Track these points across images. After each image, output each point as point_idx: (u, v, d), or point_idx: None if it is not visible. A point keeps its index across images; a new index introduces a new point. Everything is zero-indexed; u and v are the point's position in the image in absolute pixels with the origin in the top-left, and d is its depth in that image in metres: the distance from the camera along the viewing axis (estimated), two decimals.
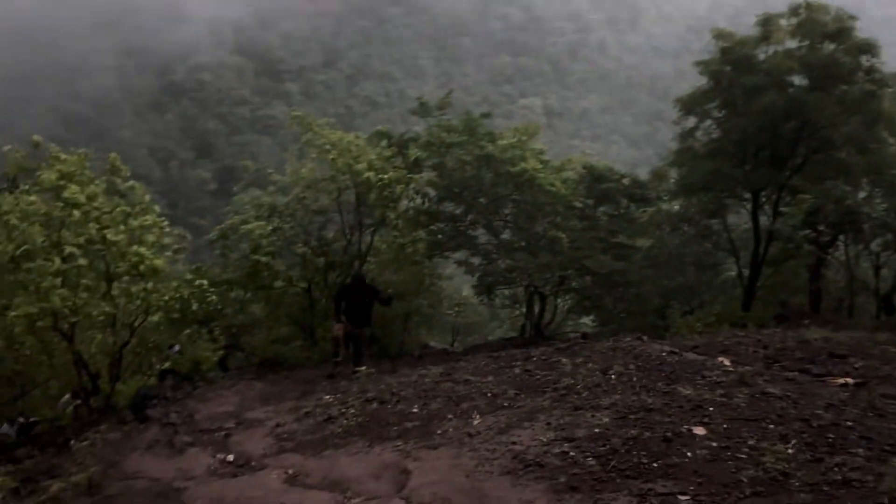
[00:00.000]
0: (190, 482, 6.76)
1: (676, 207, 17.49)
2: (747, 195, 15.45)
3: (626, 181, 15.81)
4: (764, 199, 15.44)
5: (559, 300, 18.95)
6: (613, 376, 7.75)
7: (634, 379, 7.59)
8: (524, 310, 17.80)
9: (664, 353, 8.49)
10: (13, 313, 8.94)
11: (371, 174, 13.29)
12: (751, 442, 5.43)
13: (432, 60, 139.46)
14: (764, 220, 15.45)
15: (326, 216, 15.32)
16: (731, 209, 16.53)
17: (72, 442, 8.28)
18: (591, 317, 19.34)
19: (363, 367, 10.11)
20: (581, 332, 15.89)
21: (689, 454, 5.36)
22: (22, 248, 9.01)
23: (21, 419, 12.37)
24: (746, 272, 15.74)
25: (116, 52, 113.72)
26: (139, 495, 6.46)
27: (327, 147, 13.79)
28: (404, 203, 15.34)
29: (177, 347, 12.89)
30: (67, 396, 11.35)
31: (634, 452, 5.50)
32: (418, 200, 15.25)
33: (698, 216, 16.39)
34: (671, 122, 15.84)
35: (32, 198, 9.63)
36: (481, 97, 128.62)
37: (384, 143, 15.32)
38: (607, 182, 15.51)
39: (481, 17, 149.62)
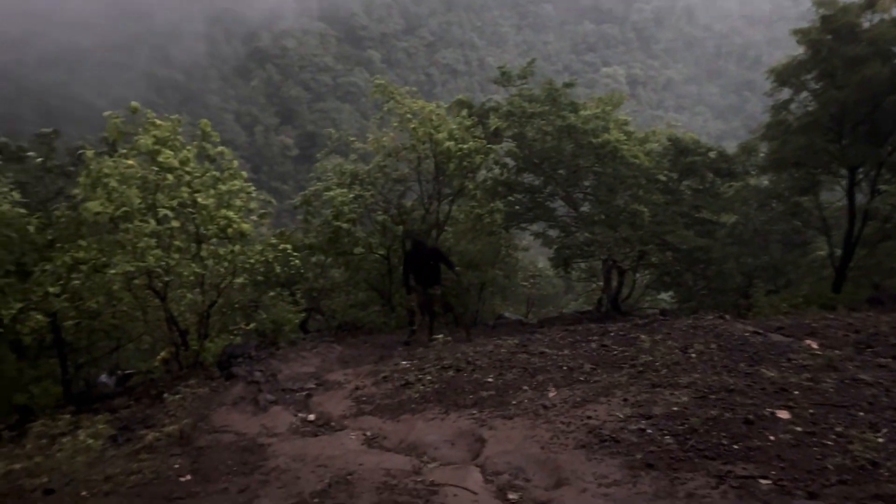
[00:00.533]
0: (273, 439, 7.04)
1: (765, 183, 16.81)
2: (843, 172, 14.69)
3: (712, 154, 15.26)
4: (861, 176, 14.65)
5: (638, 275, 18.64)
6: (693, 355, 7.60)
7: (715, 358, 7.43)
8: (601, 283, 17.58)
9: (747, 334, 8.26)
10: (112, 271, 9.41)
11: (451, 144, 13.29)
12: (838, 429, 5.25)
13: (513, 28, 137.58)
14: (860, 199, 14.68)
15: (406, 185, 15.46)
16: (825, 186, 15.78)
17: (165, 395, 8.72)
18: (671, 293, 18.94)
19: (440, 336, 10.21)
20: (660, 309, 15.58)
21: (771, 438, 5.23)
22: (121, 210, 9.45)
23: (119, 371, 13.16)
24: (838, 252, 15.04)
25: (206, 18, 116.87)
26: (226, 448, 6.77)
27: (408, 116, 13.85)
28: (483, 173, 15.30)
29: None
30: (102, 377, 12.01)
31: (714, 433, 5.41)
32: (497, 171, 15.18)
33: (788, 192, 15.71)
34: (763, 93, 15.14)
35: (130, 161, 10.03)
36: (563, 65, 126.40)
37: (464, 112, 15.28)
38: (693, 155, 15.01)
39: None
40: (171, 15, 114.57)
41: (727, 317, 9.45)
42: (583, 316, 15.84)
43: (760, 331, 8.43)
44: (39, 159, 12.42)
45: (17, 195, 10.68)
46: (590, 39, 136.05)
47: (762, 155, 15.73)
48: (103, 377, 12.90)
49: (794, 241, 17.32)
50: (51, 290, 9.49)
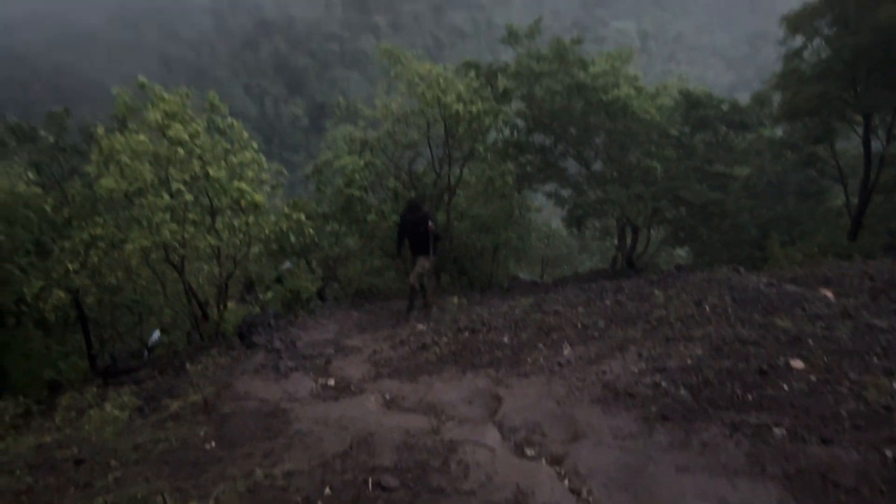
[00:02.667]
0: (295, 403, 7.17)
1: (779, 133, 16.58)
2: (858, 119, 14.43)
3: (724, 107, 15.02)
4: (877, 123, 14.39)
5: (652, 231, 18.56)
6: (707, 308, 7.62)
7: (729, 311, 7.44)
8: (615, 241, 17.55)
9: (761, 285, 8.25)
10: (129, 246, 9.54)
11: (459, 106, 13.20)
12: (852, 375, 5.28)
13: None
14: (876, 146, 14.44)
15: (416, 150, 15.43)
16: (840, 134, 15.51)
17: (187, 365, 8.89)
18: (686, 248, 18.87)
19: (432, 307, 10.23)
20: (675, 265, 15.55)
21: (785, 387, 5.27)
22: (134, 185, 9.54)
23: (143, 343, 13.41)
24: (854, 201, 14.87)
25: None
26: (251, 414, 6.91)
27: (416, 80, 13.76)
28: (493, 135, 15.21)
29: (288, 264, 13.46)
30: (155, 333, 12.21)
31: (728, 384, 5.45)
32: (507, 132, 15.08)
33: (803, 142, 15.49)
34: (776, 42, 14.84)
35: (141, 137, 10.08)
36: (572, 21, 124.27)
37: (472, 74, 15.14)
38: (705, 108, 14.78)
39: None
40: None
41: (741, 269, 9.44)
42: (598, 274, 15.84)
43: (774, 282, 8.42)
44: (52, 139, 12.52)
45: (32, 175, 10.82)
46: None
47: (775, 105, 15.48)
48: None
49: (808, 191, 17.14)
50: (70, 266, 9.65)
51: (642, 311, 7.93)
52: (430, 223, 10.91)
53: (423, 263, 11.01)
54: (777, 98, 15.38)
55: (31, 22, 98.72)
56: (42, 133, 12.68)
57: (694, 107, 14.83)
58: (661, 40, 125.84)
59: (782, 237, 16.51)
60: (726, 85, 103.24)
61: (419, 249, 11.08)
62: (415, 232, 10.99)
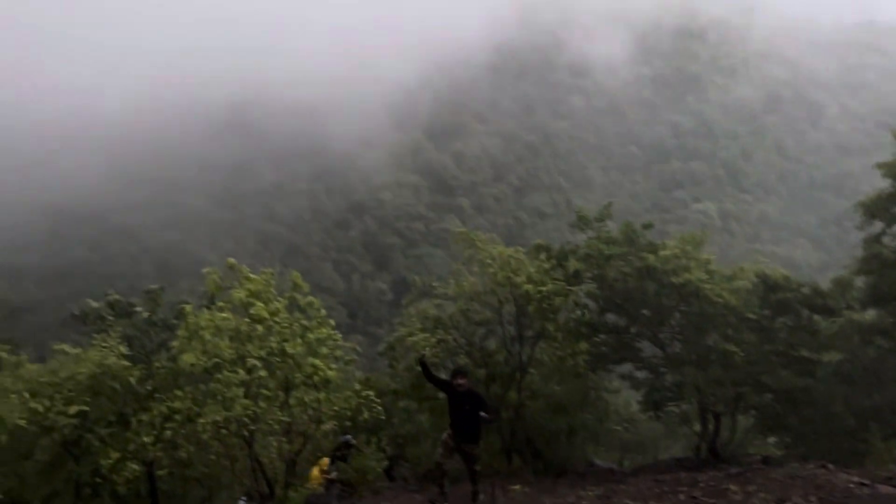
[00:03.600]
0: None
1: (868, 317, 15.89)
2: None
3: (805, 290, 14.67)
4: None
5: (740, 418, 17.56)
6: None
7: None
8: (697, 428, 16.66)
9: (852, 485, 7.62)
10: (202, 420, 9.81)
11: (530, 286, 13.46)
12: None
13: (600, 170, 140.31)
14: None
15: (488, 327, 15.59)
16: None
17: None
18: (775, 438, 17.65)
19: (479, 501, 9.29)
20: (762, 456, 14.53)
21: None
22: (212, 361, 9.99)
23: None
24: None
25: (308, 176, 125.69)
26: None
27: (488, 261, 14.22)
28: (564, 315, 15.27)
29: (349, 437, 13.34)
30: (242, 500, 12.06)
31: None
32: (578, 312, 15.13)
33: (894, 328, 14.76)
34: (854, 226, 14.70)
35: (225, 314, 10.69)
36: (651, 203, 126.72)
37: (543, 255, 15.53)
38: (784, 291, 14.47)
39: (648, 126, 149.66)
40: (276, 175, 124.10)
41: (831, 466, 8.76)
42: (680, 463, 14.95)
43: (867, 482, 7.75)
44: (146, 314, 13.42)
45: (123, 348, 11.49)
46: (677, 177, 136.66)
47: (858, 289, 15.00)
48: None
49: None
50: (146, 439, 9.93)
51: None
52: (481, 399, 9.47)
53: (474, 451, 9.42)
54: (860, 282, 14.95)
55: (146, 205, 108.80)
56: (138, 308, 13.64)
57: (772, 290, 14.56)
58: (744, 221, 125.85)
59: (885, 429, 15.28)
60: (816, 264, 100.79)
61: (467, 435, 9.33)
62: (461, 411, 9.25)
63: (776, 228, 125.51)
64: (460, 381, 9.21)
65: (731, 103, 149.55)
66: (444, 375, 15.10)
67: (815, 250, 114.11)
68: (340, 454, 12.38)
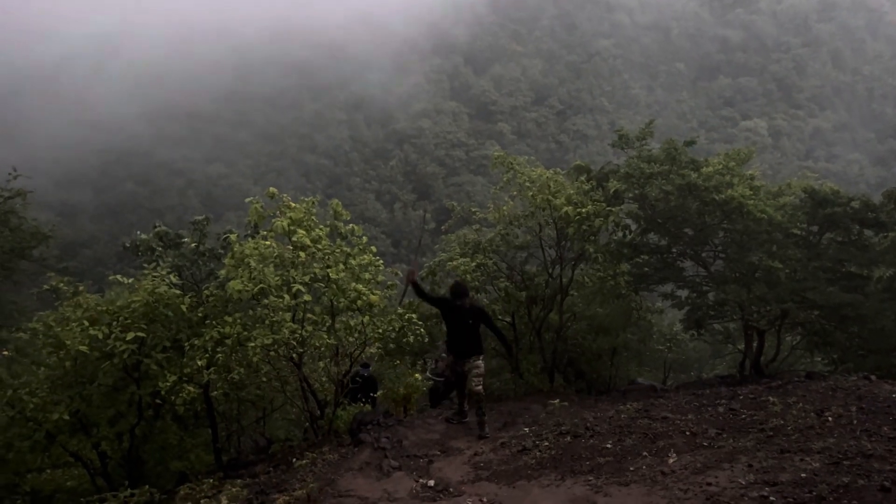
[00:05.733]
0: (394, 503, 7.25)
1: None
2: None
3: (855, 204, 14.26)
4: None
5: (788, 336, 17.47)
6: (830, 418, 7.11)
7: (855, 422, 6.90)
8: (741, 347, 16.66)
9: (895, 395, 7.60)
10: (251, 344, 10.19)
11: (569, 209, 13.37)
12: None
13: (645, 90, 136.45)
14: None
15: (528, 251, 15.62)
16: None
17: (293, 460, 9.21)
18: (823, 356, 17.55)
19: (486, 431, 9.28)
20: (807, 372, 14.49)
21: None
22: (258, 287, 10.27)
23: (264, 438, 13.92)
24: None
25: (347, 106, 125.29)
26: None
27: (527, 184, 14.13)
28: (605, 236, 15.19)
29: (364, 369, 13.77)
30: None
31: (844, 501, 5.04)
32: (620, 233, 15.02)
33: None
34: None
35: (269, 242, 10.92)
36: (698, 122, 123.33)
37: (583, 177, 15.35)
38: (832, 206, 14.09)
39: (694, 41, 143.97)
40: (315, 105, 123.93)
41: (873, 377, 8.73)
42: (723, 380, 15.02)
43: None
44: (193, 244, 13.78)
45: (174, 278, 11.87)
46: (726, 94, 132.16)
47: None
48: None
49: None
50: (199, 362, 10.37)
51: (757, 420, 7.49)
52: (486, 315, 9.68)
53: (479, 364, 9.42)
54: None
55: (189, 140, 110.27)
56: (185, 239, 14.01)
57: (820, 205, 14.20)
58: (796, 138, 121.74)
59: None
60: (873, 181, 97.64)
61: (470, 348, 9.41)
62: (462, 325, 9.39)
63: (830, 145, 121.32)
64: (461, 302, 9.29)
65: (782, 13, 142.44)
66: (484, 298, 15.38)
67: (873, 166, 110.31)
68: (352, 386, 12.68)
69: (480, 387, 9.36)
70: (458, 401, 10.01)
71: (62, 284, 11.59)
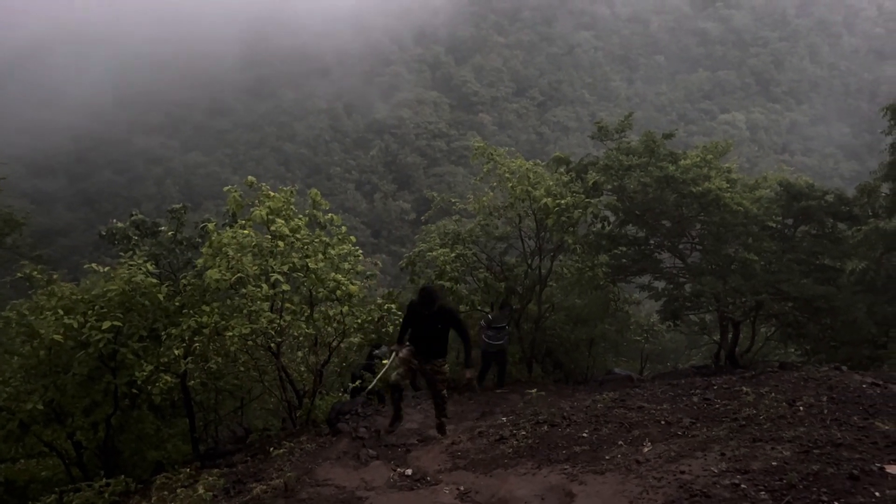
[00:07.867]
0: (371, 492, 7.27)
1: (894, 224, 15.69)
2: None
3: (829, 198, 14.46)
4: None
5: (762, 327, 17.71)
6: (801, 408, 7.24)
7: (825, 411, 7.03)
8: (717, 338, 16.88)
9: (864, 385, 7.76)
10: (229, 333, 10.14)
11: (548, 200, 13.43)
12: None
13: (625, 82, 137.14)
14: None
15: (508, 242, 15.69)
16: None
17: (271, 450, 9.21)
18: (797, 347, 17.82)
19: (445, 434, 9.14)
20: (779, 362, 14.72)
21: (877, 494, 4.92)
22: (236, 276, 10.22)
23: (241, 427, 13.88)
24: None
25: (328, 95, 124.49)
26: (326, 501, 7.06)
27: (506, 175, 14.17)
28: (583, 227, 15.29)
29: (383, 348, 13.77)
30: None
31: (814, 489, 5.15)
32: (598, 225, 15.13)
33: None
34: (880, 132, 14.31)
35: (247, 231, 10.86)
36: (677, 115, 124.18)
37: (562, 168, 15.43)
38: (807, 199, 14.28)
39: (673, 35, 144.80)
40: (295, 95, 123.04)
41: (843, 368, 8.90)
42: (698, 371, 15.20)
43: (880, 382, 7.89)
44: (171, 233, 13.67)
45: (150, 266, 11.75)
46: (705, 87, 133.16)
47: (885, 195, 14.77)
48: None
49: None
50: (176, 352, 10.31)
51: (730, 410, 7.61)
52: (456, 317, 9.10)
53: (445, 369, 9.24)
54: (886, 189, 14.70)
55: (168, 128, 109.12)
56: (163, 228, 13.90)
57: (795, 198, 14.38)
58: (773, 132, 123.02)
59: None
60: (848, 175, 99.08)
61: (435, 351, 9.08)
62: (429, 329, 8.98)
63: (807, 139, 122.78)
64: (428, 311, 8.79)
65: (761, 7, 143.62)
66: (463, 288, 15.41)
67: (848, 160, 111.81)
68: (367, 364, 12.84)
69: (445, 391, 9.34)
70: (394, 406, 9.67)
71: (36, 273, 11.45)
